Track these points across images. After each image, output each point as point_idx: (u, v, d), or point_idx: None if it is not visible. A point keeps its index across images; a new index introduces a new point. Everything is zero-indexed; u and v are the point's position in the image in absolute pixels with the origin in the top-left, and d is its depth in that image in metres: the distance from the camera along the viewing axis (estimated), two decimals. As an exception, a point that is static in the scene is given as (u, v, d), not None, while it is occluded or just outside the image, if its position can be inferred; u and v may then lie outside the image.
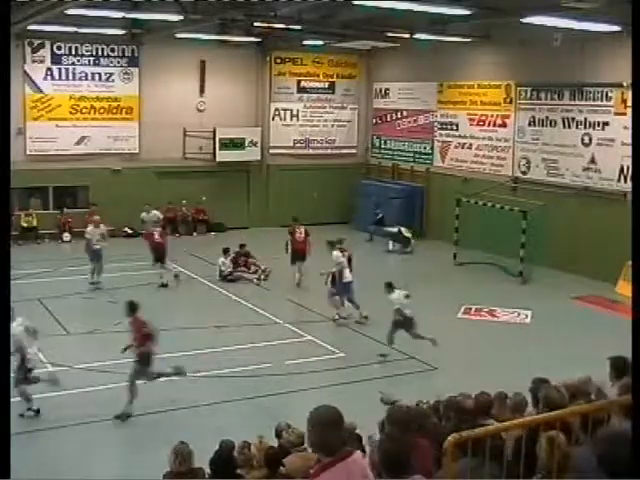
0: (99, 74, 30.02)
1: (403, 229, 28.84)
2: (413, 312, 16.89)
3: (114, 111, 30.40)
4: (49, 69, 29.28)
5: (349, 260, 20.52)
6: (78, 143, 29.94)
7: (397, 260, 27.79)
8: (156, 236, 23.29)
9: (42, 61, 29.14)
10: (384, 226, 29.98)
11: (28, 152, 29.12)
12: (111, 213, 28.72)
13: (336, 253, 19.93)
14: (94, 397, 14.56)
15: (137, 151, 30.93)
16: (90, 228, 22.55)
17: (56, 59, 29.31)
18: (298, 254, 22.94)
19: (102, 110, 30.21)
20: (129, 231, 29.99)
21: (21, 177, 28.30)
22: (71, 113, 29.75)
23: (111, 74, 30.24)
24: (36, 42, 28.70)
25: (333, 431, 5.12)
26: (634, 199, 6.85)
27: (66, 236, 29.14)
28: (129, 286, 22.47)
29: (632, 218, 6.51)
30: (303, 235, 23.18)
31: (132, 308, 14.30)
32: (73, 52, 29.44)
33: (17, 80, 28.47)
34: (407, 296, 17.00)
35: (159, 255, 22.89)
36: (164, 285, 22.81)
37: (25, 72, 28.83)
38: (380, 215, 30.53)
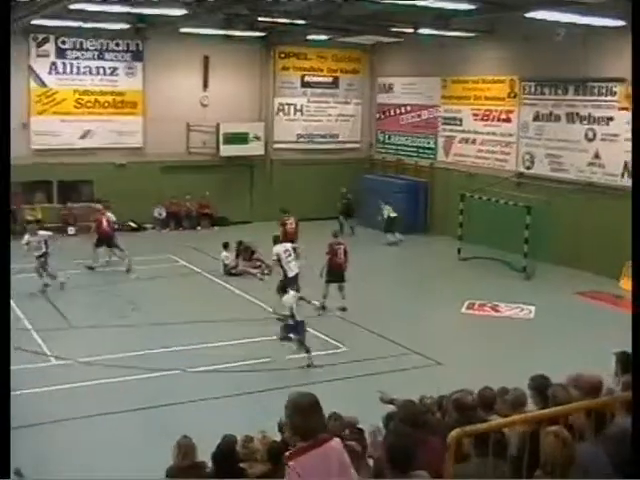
0: (103, 68, 30.03)
1: (386, 208, 29.14)
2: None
3: (118, 105, 30.42)
4: (53, 63, 29.28)
5: (345, 253, 20.49)
6: (82, 137, 29.97)
7: (400, 254, 27.77)
8: (104, 224, 24.39)
9: (47, 55, 29.15)
10: (350, 216, 30.62)
11: (32, 146, 29.16)
12: (115, 207, 28.74)
13: (276, 248, 20.03)
14: (95, 391, 14.60)
15: (141, 146, 30.97)
16: (27, 236, 21.91)
17: (61, 53, 29.32)
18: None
19: (106, 104, 30.23)
20: (133, 225, 30.05)
21: (25, 171, 28.35)
22: (75, 107, 29.77)
23: (115, 69, 30.26)
24: (41, 37, 28.70)
25: (310, 417, 5.18)
26: (634, 197, 6.85)
27: (71, 229, 29.21)
28: (133, 279, 22.61)
29: (632, 216, 6.52)
30: (294, 226, 23.95)
31: None
32: (78, 47, 29.46)
33: (22, 74, 28.50)
34: (301, 298, 16.68)
35: (104, 242, 24.22)
36: (91, 268, 23.82)
37: (30, 66, 28.87)
38: (349, 199, 31.11)
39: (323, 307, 19.79)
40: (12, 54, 24.94)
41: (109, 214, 24.80)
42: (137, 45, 30.34)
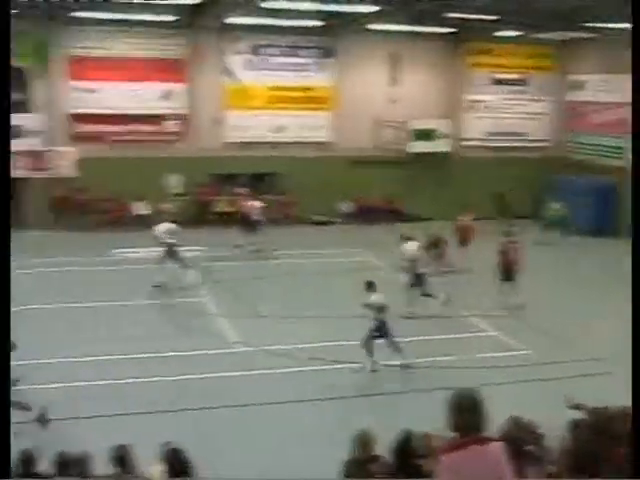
0: (295, 65, 30.82)
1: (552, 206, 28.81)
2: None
3: (309, 101, 31.13)
4: (248, 60, 30.30)
5: (516, 252, 20.32)
6: (273, 131, 30.85)
7: (584, 256, 26.76)
8: (245, 210, 25.90)
9: (241, 52, 30.19)
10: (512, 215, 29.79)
11: (225, 140, 30.25)
12: (303, 201, 29.47)
13: (406, 246, 20.24)
14: (277, 378, 15.08)
15: (330, 140, 31.52)
16: (160, 225, 22.14)
17: (254, 50, 30.33)
18: (464, 241, 24.31)
19: (297, 100, 31.00)
20: (320, 219, 30.55)
21: (217, 164, 29.57)
22: (268, 102, 30.67)
23: (307, 65, 30.99)
24: (235, 35, 29.73)
25: (469, 415, 5.19)
26: (634, 197, 6.56)
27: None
28: (318, 272, 23.04)
29: (632, 216, 6.27)
30: (468, 225, 24.50)
31: None
32: (271, 44, 30.38)
33: (217, 71, 29.69)
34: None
35: (249, 227, 25.27)
36: (257, 251, 24.85)
37: (225, 63, 29.96)
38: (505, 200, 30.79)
39: (512, 307, 19.66)
40: (208, 52, 25.98)
41: (254, 202, 25.81)
42: (328, 42, 30.89)
